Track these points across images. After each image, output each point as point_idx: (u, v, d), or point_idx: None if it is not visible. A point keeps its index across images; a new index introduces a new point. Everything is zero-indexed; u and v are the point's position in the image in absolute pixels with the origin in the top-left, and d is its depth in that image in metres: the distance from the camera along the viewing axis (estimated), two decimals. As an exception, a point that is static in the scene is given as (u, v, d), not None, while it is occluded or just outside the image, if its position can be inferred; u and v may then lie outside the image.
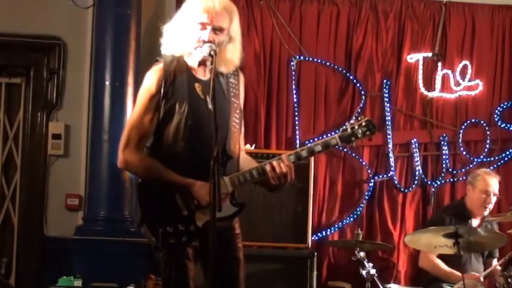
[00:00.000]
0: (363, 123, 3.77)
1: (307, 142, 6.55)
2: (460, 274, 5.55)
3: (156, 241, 3.70)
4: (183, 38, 3.75)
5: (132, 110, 3.89)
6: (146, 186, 3.79)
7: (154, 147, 3.77)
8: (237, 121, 3.82)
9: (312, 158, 6.07)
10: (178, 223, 3.69)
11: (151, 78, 3.76)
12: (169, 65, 3.76)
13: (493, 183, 6.06)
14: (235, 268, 3.82)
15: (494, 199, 6.05)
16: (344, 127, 3.79)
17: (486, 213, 6.03)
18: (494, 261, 6.05)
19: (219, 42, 3.72)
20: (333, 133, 3.83)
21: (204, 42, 3.69)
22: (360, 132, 3.76)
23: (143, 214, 3.79)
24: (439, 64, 6.91)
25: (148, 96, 3.75)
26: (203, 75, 3.79)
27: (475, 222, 6.05)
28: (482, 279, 5.69)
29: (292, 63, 6.76)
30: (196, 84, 3.76)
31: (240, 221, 3.89)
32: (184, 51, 3.77)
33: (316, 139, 6.57)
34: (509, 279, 5.18)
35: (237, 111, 3.83)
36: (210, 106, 3.57)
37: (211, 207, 3.39)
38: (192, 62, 3.78)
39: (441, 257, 5.88)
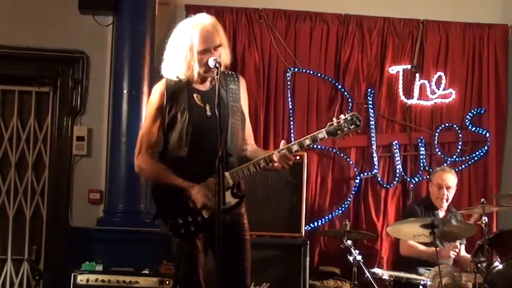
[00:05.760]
0: (348, 118, 3.73)
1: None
2: (437, 249, 5.58)
3: (169, 232, 3.72)
4: (187, 66, 3.72)
5: (143, 122, 3.91)
6: (160, 187, 3.80)
7: (163, 153, 3.78)
8: (238, 122, 3.81)
9: (305, 157, 6.09)
10: (187, 215, 3.69)
11: (155, 92, 3.81)
12: (171, 80, 3.79)
13: (446, 177, 6.04)
14: (243, 259, 3.81)
15: (448, 192, 6.03)
16: (331, 122, 3.76)
17: (444, 204, 6.03)
18: (462, 247, 6.02)
19: (220, 55, 3.72)
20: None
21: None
22: (345, 125, 3.72)
23: (158, 210, 3.81)
24: (417, 75, 6.91)
25: (154, 107, 3.80)
26: (203, 86, 3.80)
27: (441, 213, 6.06)
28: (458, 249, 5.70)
29: (287, 74, 6.76)
30: (195, 95, 3.78)
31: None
32: (190, 77, 3.76)
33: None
34: (478, 265, 5.17)
35: (237, 114, 3.83)
36: (208, 113, 3.65)
37: (216, 200, 3.40)
38: (193, 77, 3.78)
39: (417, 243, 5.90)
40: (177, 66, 3.75)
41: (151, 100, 3.82)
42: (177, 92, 3.76)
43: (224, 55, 3.75)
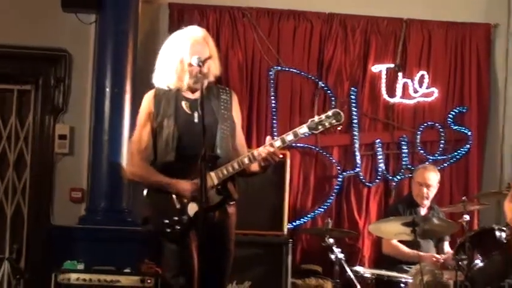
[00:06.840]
0: (330, 114, 3.78)
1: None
2: (419, 253, 5.61)
3: (158, 233, 3.76)
4: (177, 78, 3.85)
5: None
6: (151, 194, 3.85)
7: (154, 159, 3.85)
8: (227, 129, 3.88)
9: (288, 156, 6.11)
10: (172, 215, 3.73)
11: (145, 100, 3.94)
12: (160, 89, 3.91)
13: (427, 176, 6.10)
14: (225, 258, 3.86)
15: (429, 190, 6.08)
16: (312, 118, 3.80)
17: (425, 202, 6.09)
18: (446, 244, 6.10)
19: (209, 67, 3.83)
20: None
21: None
22: (326, 121, 3.77)
23: (152, 215, 3.83)
24: (400, 74, 6.93)
25: (143, 115, 3.91)
26: (192, 95, 3.90)
27: (422, 211, 6.11)
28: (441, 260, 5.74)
29: (270, 73, 6.76)
30: (184, 102, 3.89)
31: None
32: (179, 87, 3.88)
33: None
34: (459, 262, 5.22)
35: (228, 121, 3.91)
36: (195, 120, 3.76)
37: (199, 198, 3.44)
38: (183, 87, 3.89)
39: (399, 242, 5.94)
40: (167, 76, 3.88)
41: (141, 108, 3.95)
42: (166, 99, 3.87)
43: (214, 66, 3.88)
